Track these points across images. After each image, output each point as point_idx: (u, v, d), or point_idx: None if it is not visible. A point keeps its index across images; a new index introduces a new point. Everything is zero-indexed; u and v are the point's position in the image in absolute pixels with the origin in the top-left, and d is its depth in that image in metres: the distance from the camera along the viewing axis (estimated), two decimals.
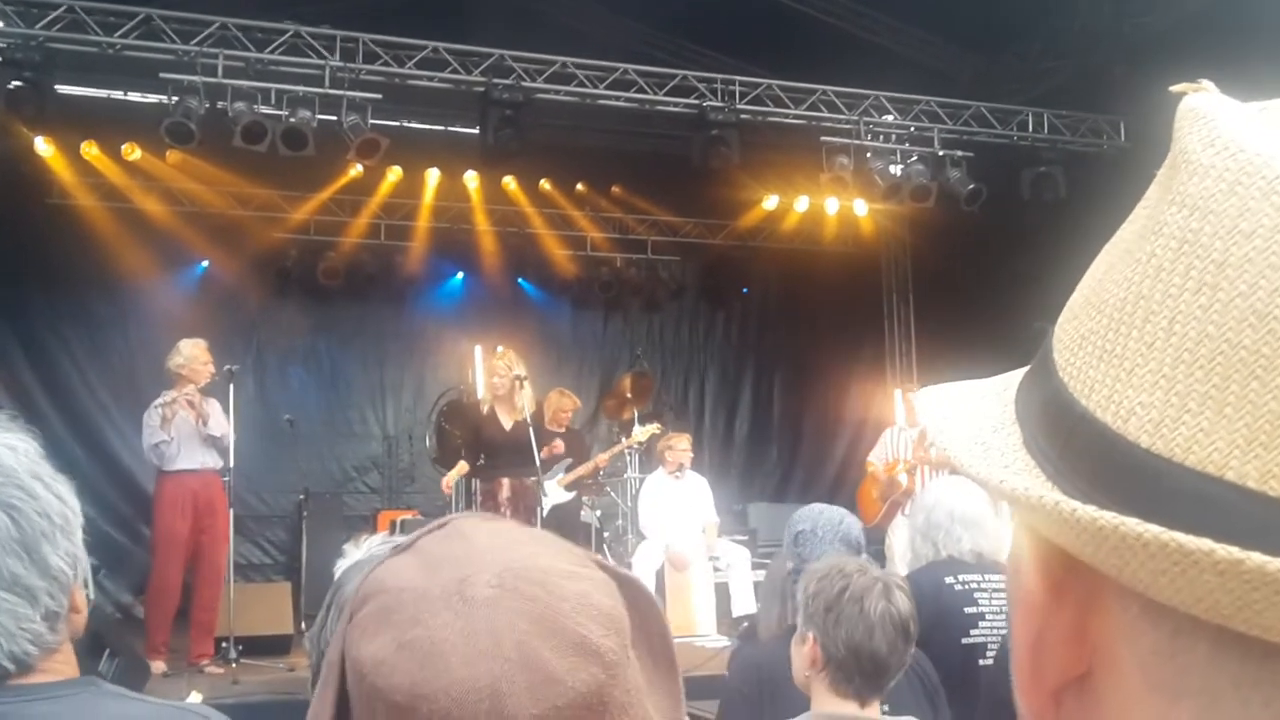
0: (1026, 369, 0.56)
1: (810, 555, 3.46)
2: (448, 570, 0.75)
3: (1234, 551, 0.40)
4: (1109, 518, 0.43)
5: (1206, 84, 0.50)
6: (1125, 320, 0.47)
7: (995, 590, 3.72)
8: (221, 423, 7.51)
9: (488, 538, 0.80)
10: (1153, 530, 0.42)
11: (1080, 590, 0.49)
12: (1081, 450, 0.47)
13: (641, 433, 9.37)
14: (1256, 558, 0.40)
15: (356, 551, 2.94)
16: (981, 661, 3.57)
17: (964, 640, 3.62)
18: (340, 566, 3.00)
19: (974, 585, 3.74)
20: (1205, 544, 0.40)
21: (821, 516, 3.62)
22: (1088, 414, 0.47)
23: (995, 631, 3.62)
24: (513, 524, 0.86)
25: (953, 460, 0.53)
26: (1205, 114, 0.47)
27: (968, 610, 3.68)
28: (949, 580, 3.76)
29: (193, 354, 7.52)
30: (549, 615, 0.71)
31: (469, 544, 0.78)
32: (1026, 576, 0.52)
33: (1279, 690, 0.43)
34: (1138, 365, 0.46)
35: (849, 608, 2.46)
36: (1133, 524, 0.42)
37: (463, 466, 7.63)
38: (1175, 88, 0.51)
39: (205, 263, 11.29)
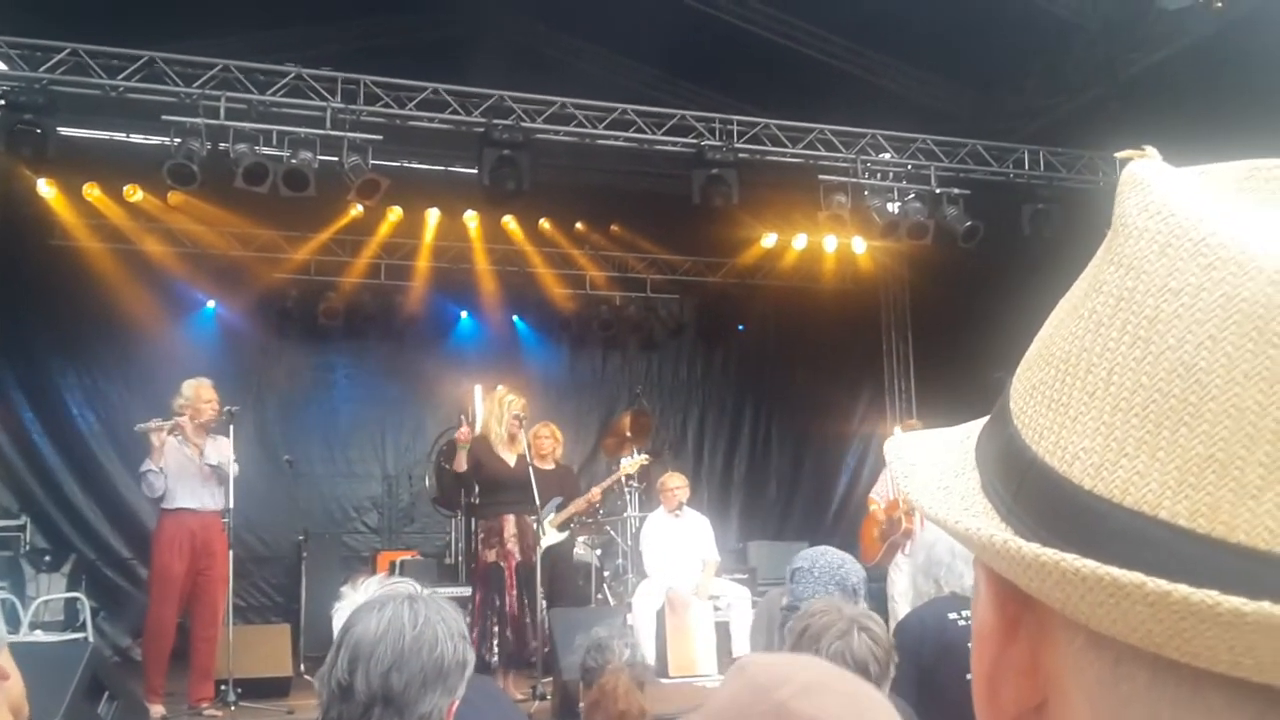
0: (988, 418, 0.59)
1: (804, 593, 3.49)
2: None
3: (1162, 584, 0.43)
4: (1050, 554, 0.46)
5: (1150, 150, 0.54)
6: (1070, 371, 0.51)
7: None
8: (224, 453, 7.50)
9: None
10: (1089, 565, 0.45)
11: (1032, 625, 0.53)
12: (1032, 492, 0.51)
13: (630, 465, 9.34)
14: (1182, 589, 0.43)
15: (355, 594, 2.95)
16: None
17: (969, 675, 3.59)
18: (338, 609, 3.01)
19: None
20: (1137, 578, 0.44)
21: (822, 558, 3.65)
22: (1037, 459, 0.51)
23: None
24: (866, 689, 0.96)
25: (915, 502, 0.57)
26: (1143, 181, 0.51)
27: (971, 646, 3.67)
28: (952, 616, 3.76)
29: (193, 393, 7.54)
30: None
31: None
32: (983, 611, 0.56)
33: (1213, 716, 0.46)
34: (1081, 413, 0.49)
35: (806, 648, 2.48)
36: (1071, 559, 0.45)
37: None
38: (1120, 154, 0.55)
39: (212, 303, 11.33)
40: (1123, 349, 0.48)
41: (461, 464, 7.54)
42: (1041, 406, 0.52)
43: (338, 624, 2.95)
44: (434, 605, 2.04)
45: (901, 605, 8.09)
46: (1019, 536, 0.49)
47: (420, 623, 1.96)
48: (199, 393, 7.56)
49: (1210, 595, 0.42)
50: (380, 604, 2.03)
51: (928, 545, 3.90)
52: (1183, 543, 0.45)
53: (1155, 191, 0.50)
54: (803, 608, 2.74)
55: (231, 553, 7.51)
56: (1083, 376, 0.50)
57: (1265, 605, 0.42)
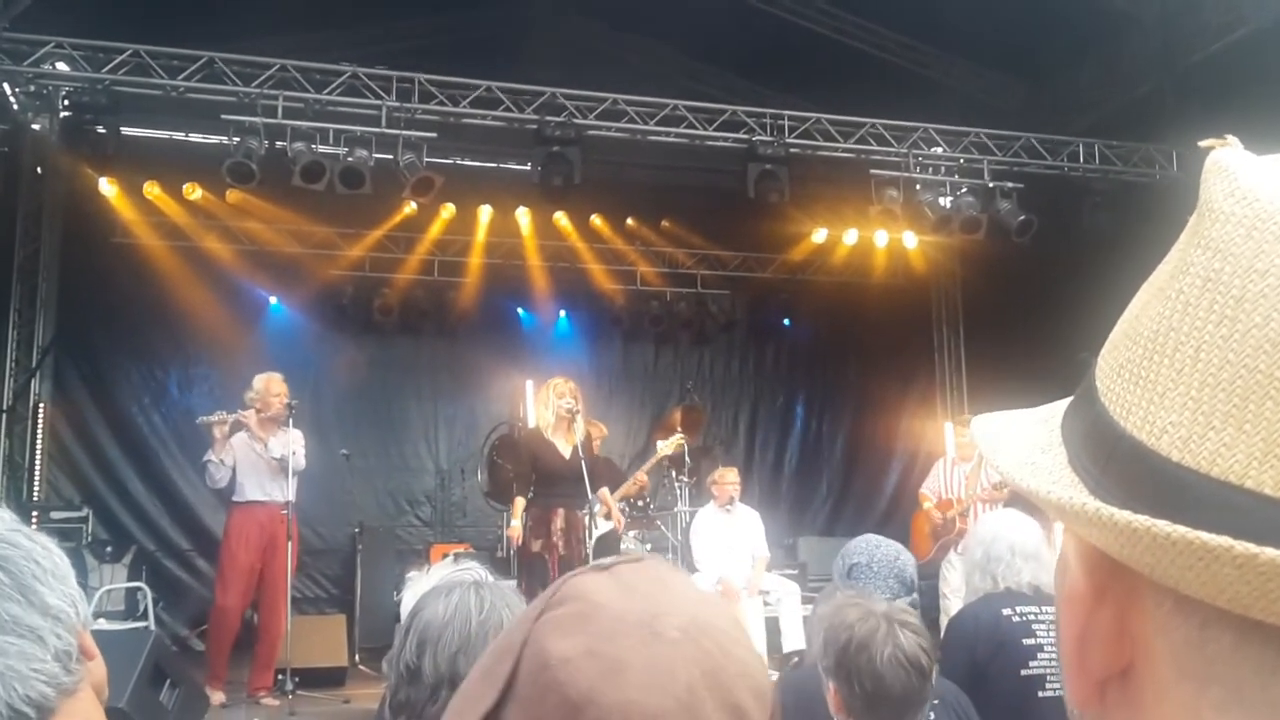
0: (1072, 397, 0.62)
1: (864, 589, 3.46)
2: (642, 602, 0.79)
3: (1250, 547, 0.46)
4: (1142, 520, 0.49)
5: (1231, 139, 0.56)
6: (1158, 350, 0.53)
7: (1053, 622, 3.66)
8: (293, 445, 7.62)
9: (681, 586, 0.85)
10: (1180, 530, 0.48)
11: (1120, 590, 0.56)
12: (1121, 465, 0.54)
13: (666, 446, 9.32)
14: (1270, 551, 0.46)
15: (424, 578, 3.01)
16: (1041, 693, 3.54)
17: (1023, 672, 3.60)
18: (406, 593, 3.07)
19: (1032, 617, 3.72)
20: (1225, 541, 0.47)
21: (878, 551, 3.60)
22: (1126, 433, 0.53)
23: (1055, 663, 3.59)
24: (690, 579, 0.90)
25: (1004, 475, 0.60)
26: (1228, 167, 0.54)
27: (1026, 642, 3.66)
28: (1007, 612, 3.74)
29: (264, 387, 7.70)
30: (719, 673, 0.76)
31: (664, 586, 0.82)
32: (1072, 578, 0.59)
33: None
34: (1169, 389, 0.52)
35: (858, 658, 2.46)
36: (1163, 525, 0.49)
37: (520, 504, 7.63)
38: (1204, 143, 0.57)
39: (270, 299, 11.50)
40: (1209, 327, 0.51)
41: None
42: (1129, 384, 0.54)
43: (404, 607, 3.02)
44: (499, 591, 2.09)
45: (954, 602, 8.05)
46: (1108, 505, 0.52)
47: (486, 608, 2.00)
48: (269, 386, 7.71)
49: None
50: (447, 589, 2.07)
51: (986, 542, 3.87)
52: (1269, 509, 0.48)
53: (1240, 177, 0.53)
54: (833, 605, 2.73)
55: (290, 544, 7.62)
56: (1170, 354, 0.52)
57: None
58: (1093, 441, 0.56)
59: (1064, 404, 0.63)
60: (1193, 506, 0.49)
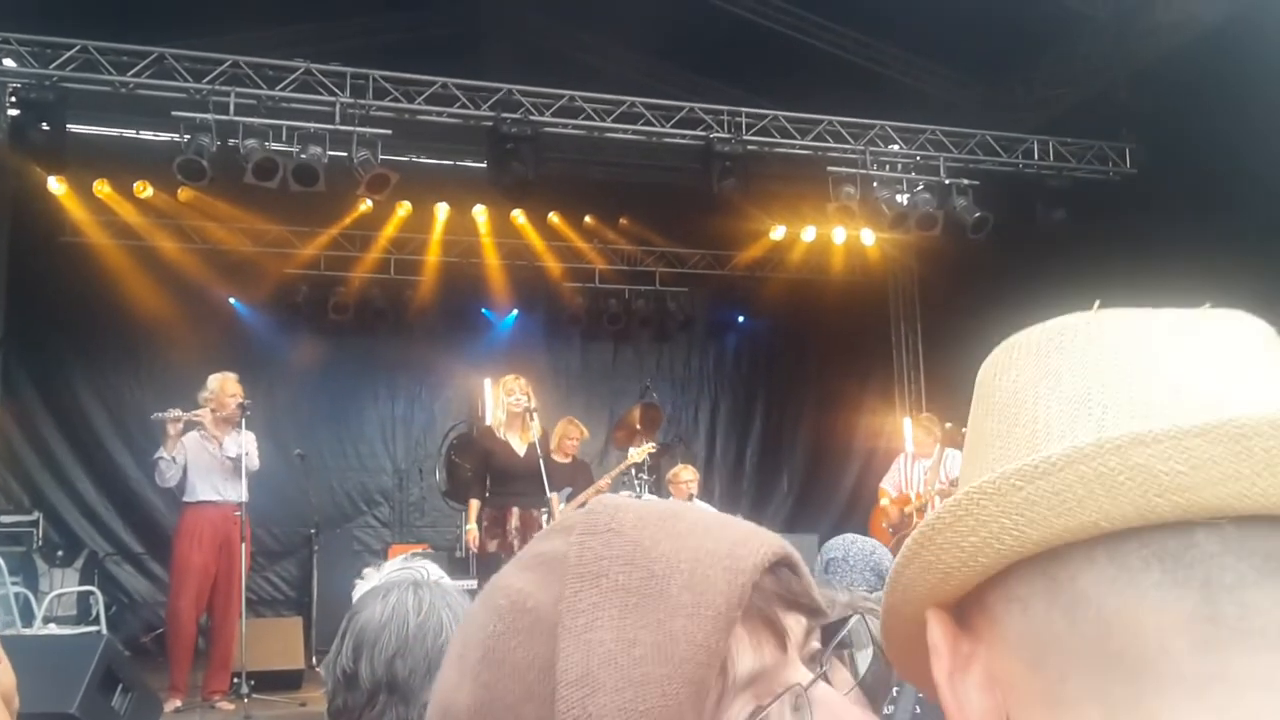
0: None
1: (841, 584, 3.47)
2: None
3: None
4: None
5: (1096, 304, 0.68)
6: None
7: None
8: (246, 445, 7.52)
9: None
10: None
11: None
12: None
13: (637, 453, 9.29)
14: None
15: (376, 575, 2.95)
16: None
17: None
18: (359, 589, 3.02)
19: None
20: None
21: (854, 546, 3.63)
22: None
23: None
24: None
25: None
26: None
27: None
28: None
29: (219, 387, 7.59)
30: None
31: None
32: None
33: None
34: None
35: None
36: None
37: (475, 506, 7.57)
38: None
39: (222, 299, 11.35)
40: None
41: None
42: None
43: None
44: (439, 591, 2.02)
45: None
46: None
47: (425, 609, 1.93)
48: (224, 386, 7.60)
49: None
50: (385, 590, 2.00)
51: None
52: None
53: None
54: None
55: (244, 546, 7.52)
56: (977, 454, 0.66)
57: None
58: None
59: None
60: None
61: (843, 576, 3.58)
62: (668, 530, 0.68)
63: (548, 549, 0.70)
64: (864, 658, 0.80)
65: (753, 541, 0.69)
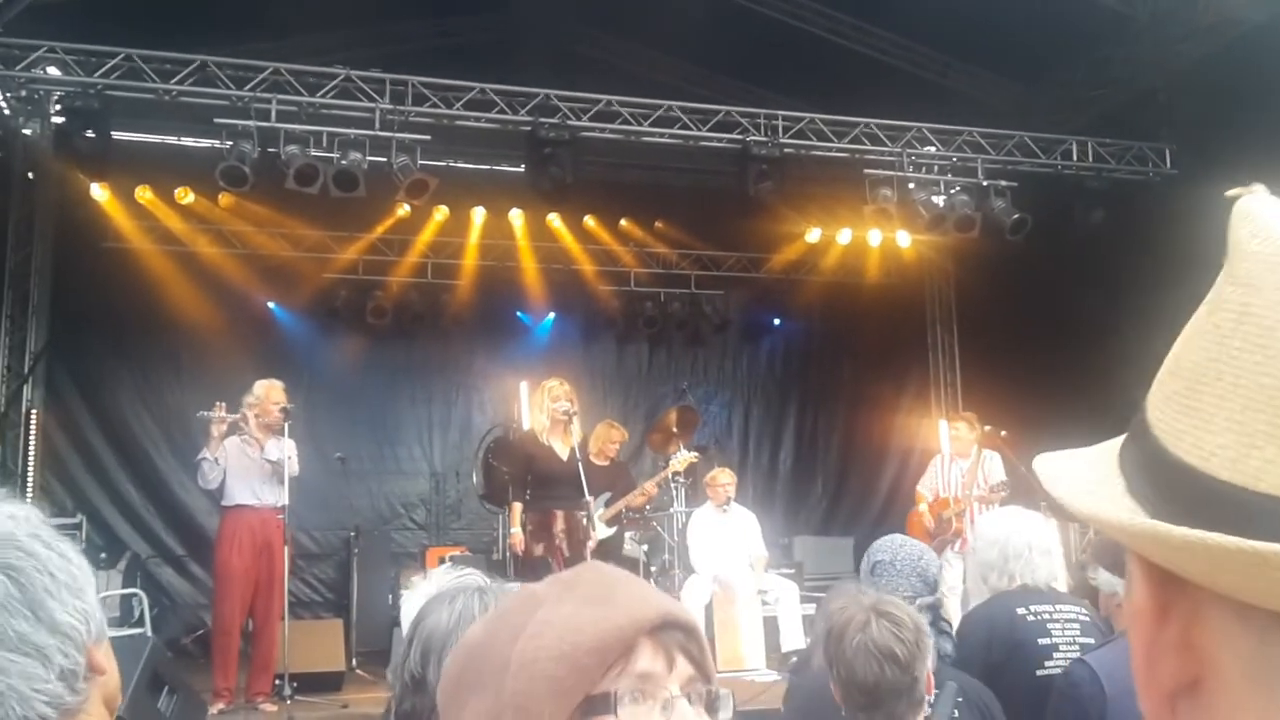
0: (1126, 434, 0.67)
1: (887, 587, 3.45)
2: None
3: None
4: (1198, 534, 0.54)
5: (1257, 187, 0.63)
6: (1201, 380, 0.59)
7: (1068, 621, 3.65)
8: (287, 451, 7.56)
9: None
10: (1233, 540, 0.52)
11: (1184, 606, 0.60)
12: (1176, 489, 0.58)
13: (679, 461, 9.30)
14: None
15: (424, 584, 2.98)
16: None
17: (1039, 672, 3.56)
18: (406, 600, 3.05)
19: (1046, 616, 3.68)
20: (1275, 548, 0.51)
21: (902, 549, 3.62)
22: (1178, 459, 0.58)
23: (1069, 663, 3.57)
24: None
25: (1064, 502, 0.65)
26: (1251, 211, 0.61)
27: (1042, 642, 3.62)
28: (1021, 611, 3.69)
29: (264, 393, 7.62)
30: None
31: None
32: (1138, 597, 0.64)
33: None
34: (1213, 415, 0.57)
35: (833, 646, 2.52)
36: (1216, 536, 0.53)
37: (518, 509, 7.58)
38: (1230, 192, 0.63)
39: (263, 303, 11.46)
40: (1245, 355, 0.56)
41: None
42: (1177, 414, 0.59)
43: (405, 614, 2.99)
44: (503, 596, 2.06)
45: (949, 600, 8.04)
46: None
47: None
48: (269, 393, 7.63)
49: None
50: (450, 596, 2.04)
51: (1000, 540, 3.82)
52: None
53: (1263, 219, 0.60)
54: (830, 606, 2.75)
55: (286, 549, 7.57)
56: (1212, 383, 0.58)
57: None
58: (1149, 470, 0.61)
59: (1118, 441, 0.67)
60: (1244, 521, 0.53)
61: (889, 580, 3.57)
62: (633, 580, 1.07)
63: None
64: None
65: (675, 605, 1.05)
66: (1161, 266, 9.29)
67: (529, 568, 7.45)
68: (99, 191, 10.11)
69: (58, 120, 8.54)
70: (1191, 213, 9.94)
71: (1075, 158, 10.04)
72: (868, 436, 13.07)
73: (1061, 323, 10.45)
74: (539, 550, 7.34)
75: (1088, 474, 0.66)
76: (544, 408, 7.56)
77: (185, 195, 10.49)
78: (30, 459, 10.33)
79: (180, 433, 10.74)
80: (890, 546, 3.66)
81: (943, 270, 13.19)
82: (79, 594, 1.31)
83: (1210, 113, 8.86)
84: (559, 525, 7.33)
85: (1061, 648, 3.58)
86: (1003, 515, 4.13)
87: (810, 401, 13.36)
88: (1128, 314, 9.72)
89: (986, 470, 8.62)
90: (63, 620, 1.27)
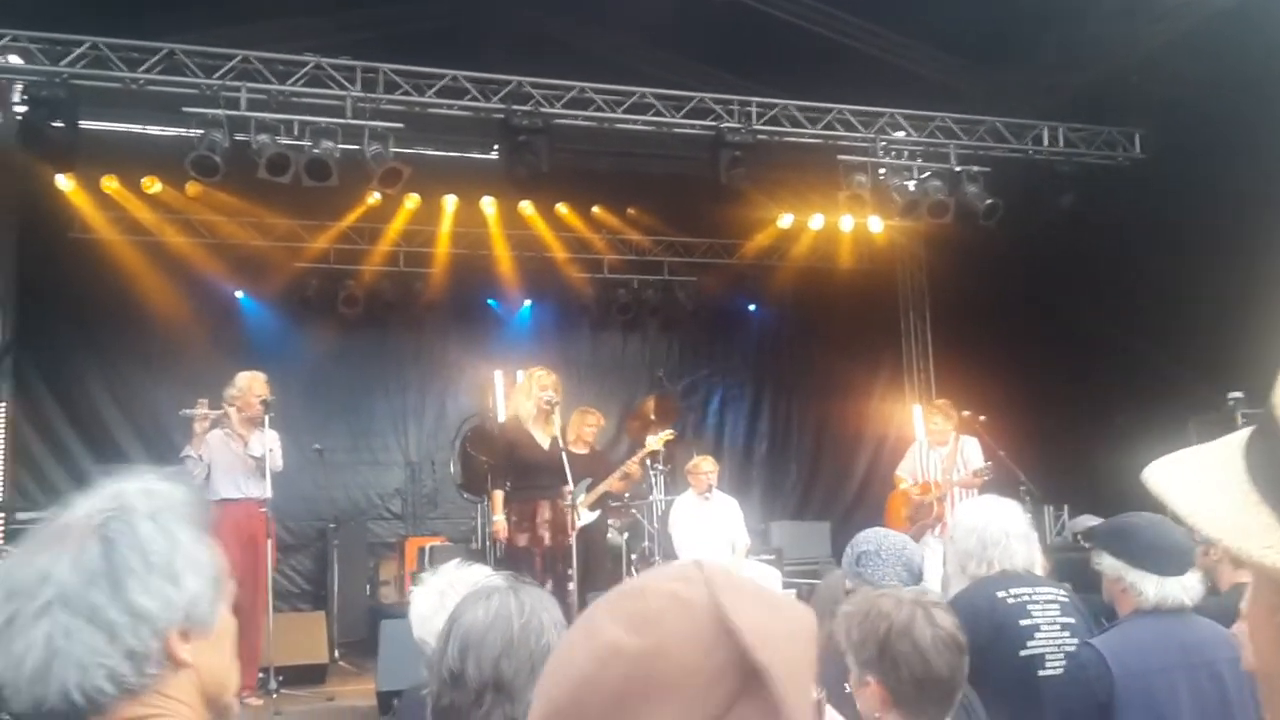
0: (1249, 439, 0.60)
1: (872, 576, 3.51)
2: None
3: None
4: None
5: None
6: None
7: (1048, 602, 3.75)
8: (270, 444, 7.51)
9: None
10: None
11: None
12: None
13: (656, 441, 9.32)
14: None
15: (436, 579, 3.01)
16: (1041, 672, 3.58)
17: (1022, 653, 3.64)
18: (415, 595, 3.07)
19: (1026, 598, 3.76)
20: None
21: (886, 540, 3.68)
22: None
23: (1052, 642, 3.64)
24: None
25: (1216, 541, 0.59)
26: None
27: (1023, 623, 3.70)
28: (1001, 594, 3.77)
29: (247, 385, 7.55)
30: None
31: None
32: None
33: None
34: None
35: (900, 644, 2.48)
36: None
37: (500, 498, 7.56)
38: None
39: (233, 293, 11.37)
40: None
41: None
42: None
43: (415, 609, 3.01)
44: (536, 595, 2.11)
45: (931, 584, 8.10)
46: None
47: (527, 612, 2.03)
48: (252, 385, 7.56)
49: None
50: (486, 594, 2.09)
51: (978, 528, 3.89)
52: None
53: None
54: (847, 607, 2.74)
55: (270, 541, 7.52)
56: None
57: None
58: None
59: (1237, 442, 0.61)
60: None
61: (875, 569, 3.62)
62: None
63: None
64: None
65: None
66: (1130, 249, 9.42)
67: (511, 558, 7.44)
68: (64, 181, 9.99)
69: (22, 110, 8.39)
70: (1160, 196, 10.07)
71: (1046, 142, 10.11)
72: (842, 421, 13.15)
73: (1033, 306, 10.54)
74: (523, 541, 7.33)
75: (1217, 494, 0.59)
76: (531, 395, 7.54)
77: (152, 185, 10.40)
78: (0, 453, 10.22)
79: (151, 424, 10.65)
80: (875, 537, 3.72)
81: (915, 255, 13.27)
82: (173, 580, 1.31)
83: (1180, 96, 8.94)
84: (543, 515, 7.32)
85: (1043, 628, 3.66)
86: (980, 503, 4.23)
87: (784, 387, 13.41)
88: (1098, 296, 9.83)
89: (966, 456, 8.69)
90: (140, 602, 1.27)
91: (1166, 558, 3.19)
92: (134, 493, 1.37)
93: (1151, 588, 3.17)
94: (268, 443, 7.49)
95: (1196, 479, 0.61)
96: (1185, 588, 3.18)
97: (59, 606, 1.24)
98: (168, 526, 1.34)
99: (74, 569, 1.26)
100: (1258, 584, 0.61)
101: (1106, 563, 3.32)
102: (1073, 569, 5.50)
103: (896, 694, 2.49)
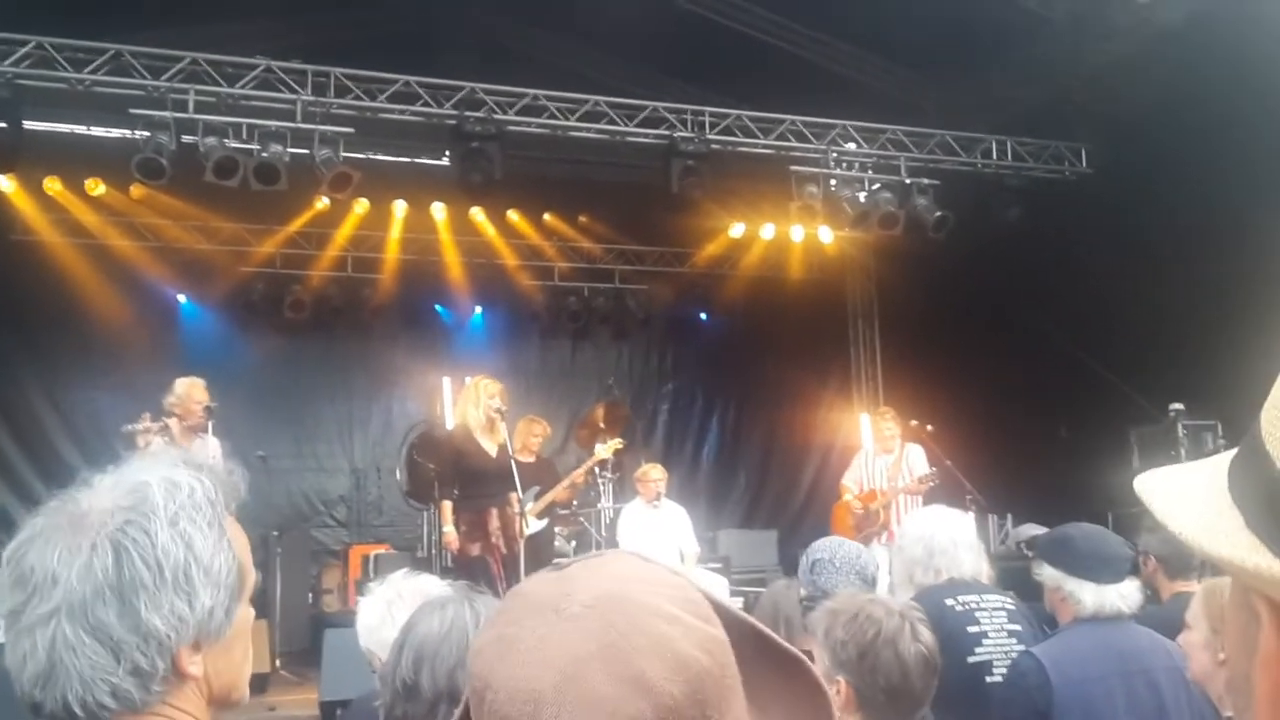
0: (1234, 455, 0.61)
1: (826, 584, 3.52)
2: (559, 585, 0.81)
3: None
4: None
5: None
6: None
7: (995, 609, 3.78)
8: (213, 453, 7.37)
9: (623, 567, 0.84)
10: None
11: None
12: None
13: (604, 450, 9.30)
14: None
15: (383, 588, 2.97)
16: (989, 679, 3.61)
17: (969, 659, 3.67)
18: (363, 605, 3.03)
19: (974, 605, 3.80)
20: None
21: (840, 548, 3.71)
22: None
23: (999, 648, 3.68)
24: (666, 567, 0.88)
25: (1190, 544, 0.60)
26: None
27: (970, 629, 3.73)
28: (949, 602, 3.81)
29: (186, 392, 7.37)
30: (618, 644, 0.76)
31: (600, 570, 0.83)
32: (1266, 639, 0.58)
33: None
34: None
35: (884, 652, 2.50)
36: None
37: (448, 507, 7.49)
38: None
39: (177, 298, 11.21)
40: None
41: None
42: None
43: (362, 619, 2.97)
44: (491, 605, 2.09)
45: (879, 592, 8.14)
46: None
47: (481, 622, 2.00)
48: (191, 392, 7.37)
49: None
50: (441, 604, 2.07)
51: (925, 537, 3.93)
52: None
53: None
54: (835, 604, 2.75)
55: None
56: None
57: None
58: (1271, 503, 0.55)
59: (1223, 460, 0.62)
60: None
61: (829, 577, 3.65)
62: None
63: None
64: None
65: None
66: (1076, 263, 9.56)
67: (465, 568, 7.36)
68: (5, 183, 9.80)
69: None
70: (1105, 210, 10.23)
71: (995, 156, 10.23)
72: (790, 430, 13.21)
73: (980, 318, 10.66)
74: (475, 550, 7.26)
75: (1201, 506, 0.60)
76: (479, 403, 7.48)
77: (96, 187, 10.24)
78: None
79: (90, 429, 10.47)
80: (829, 546, 3.75)
81: (864, 266, 13.37)
82: (188, 594, 1.25)
83: (1125, 113, 9.10)
84: (494, 523, 7.27)
85: (990, 635, 3.70)
86: (927, 513, 4.27)
87: (733, 396, 13.45)
88: (1044, 309, 9.97)
89: (910, 463, 8.76)
90: (149, 621, 1.22)
91: (1103, 566, 3.24)
92: (157, 486, 1.30)
93: (1089, 596, 3.22)
94: (210, 450, 7.35)
95: (1180, 489, 0.63)
96: (1123, 595, 3.23)
97: (65, 616, 1.19)
98: (187, 533, 1.27)
99: (84, 578, 1.20)
100: (1232, 586, 0.64)
101: (1047, 572, 3.36)
102: (1016, 577, 5.54)
103: (865, 699, 2.51)
